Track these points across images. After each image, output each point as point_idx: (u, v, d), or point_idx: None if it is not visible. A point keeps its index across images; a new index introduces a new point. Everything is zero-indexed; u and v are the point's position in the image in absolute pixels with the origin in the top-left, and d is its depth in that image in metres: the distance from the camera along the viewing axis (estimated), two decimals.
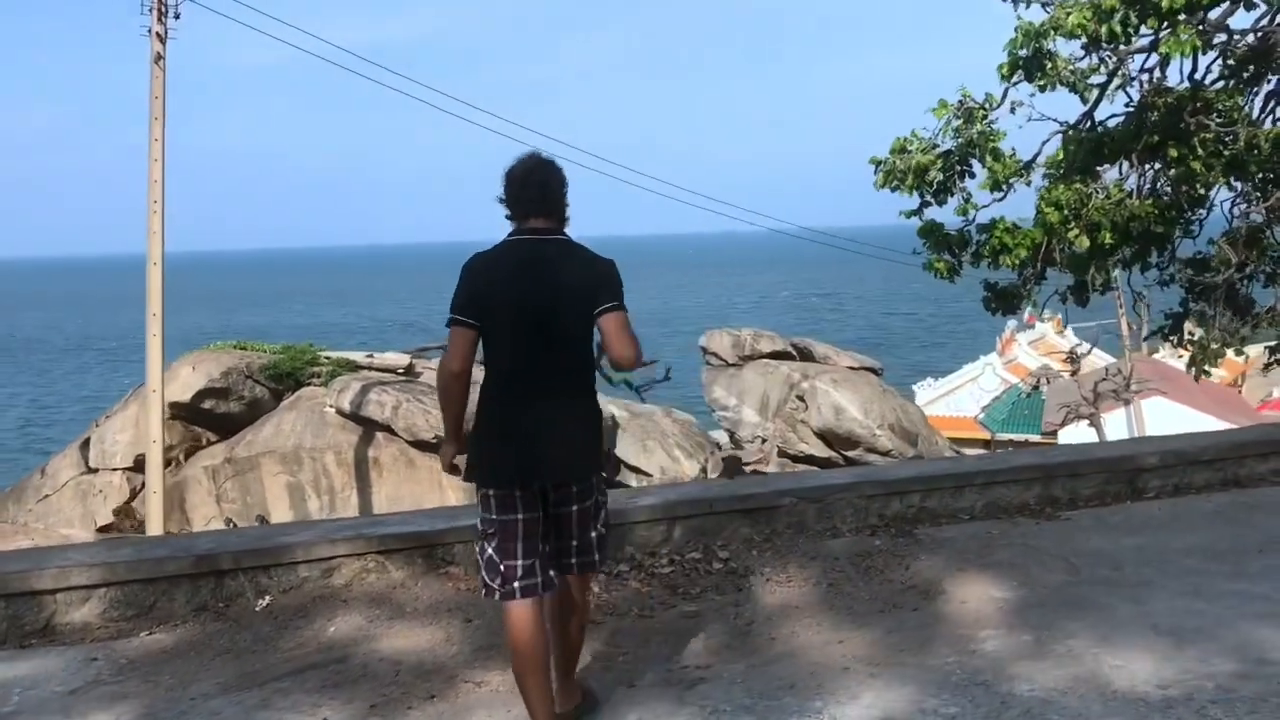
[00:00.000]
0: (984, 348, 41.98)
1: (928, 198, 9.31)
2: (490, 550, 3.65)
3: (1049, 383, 28.80)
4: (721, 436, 19.81)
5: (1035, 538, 5.94)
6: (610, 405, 20.26)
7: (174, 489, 17.06)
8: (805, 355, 19.51)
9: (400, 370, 18.83)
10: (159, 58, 11.69)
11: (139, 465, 17.31)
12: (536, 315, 3.54)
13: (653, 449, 16.91)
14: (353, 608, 5.19)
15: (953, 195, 9.32)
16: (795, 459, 16.51)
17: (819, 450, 16.16)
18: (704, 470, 17.08)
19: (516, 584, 3.61)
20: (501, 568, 3.62)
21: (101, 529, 16.98)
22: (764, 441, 17.95)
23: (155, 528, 11.93)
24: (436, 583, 5.46)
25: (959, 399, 36.99)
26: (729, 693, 4.15)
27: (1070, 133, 9.82)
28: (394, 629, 4.95)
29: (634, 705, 4.07)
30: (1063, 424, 25.82)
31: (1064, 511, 6.43)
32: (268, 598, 5.27)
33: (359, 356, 19.04)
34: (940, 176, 8.98)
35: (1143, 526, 6.14)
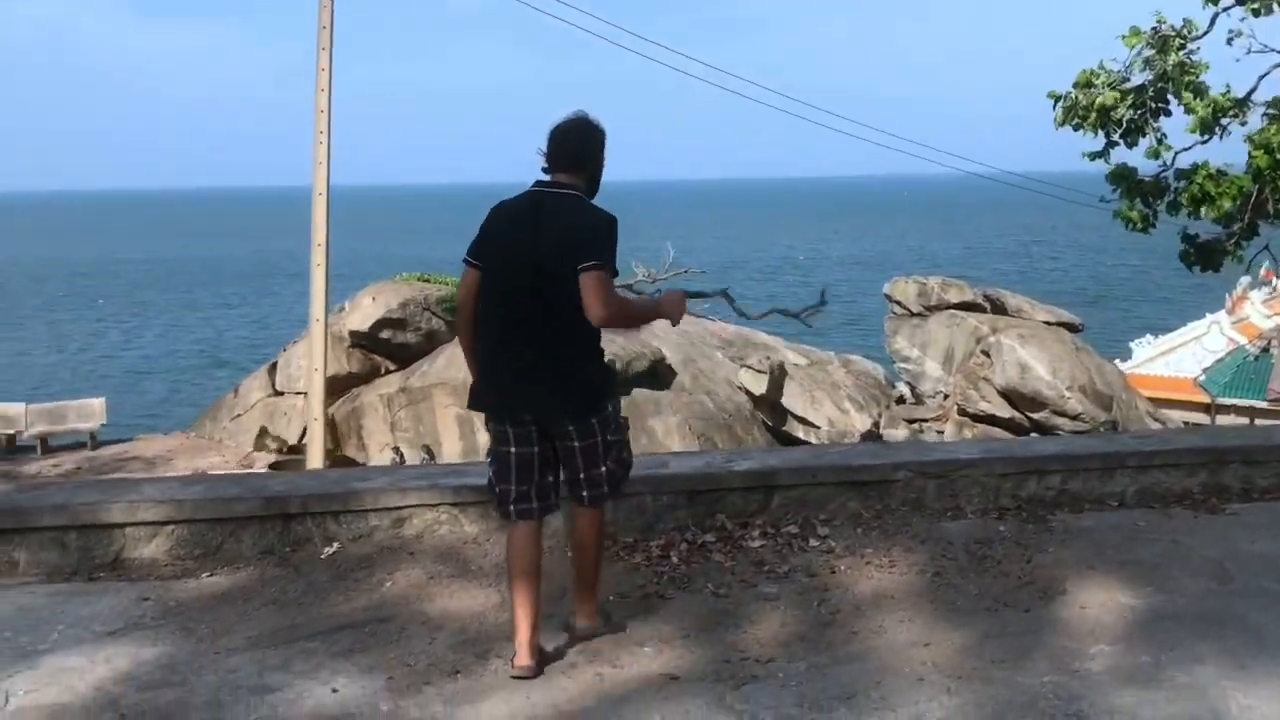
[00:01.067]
0: (1212, 304, 38.89)
1: (1115, 138, 8.31)
2: (490, 475, 4.06)
3: None
4: (904, 390, 18.97)
5: (1189, 534, 5.14)
6: (786, 351, 19.70)
7: (351, 415, 17.58)
8: (997, 307, 18.31)
9: None
10: None
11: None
12: (518, 261, 3.75)
13: (821, 400, 16.27)
14: (418, 561, 4.95)
15: (1144, 136, 8.29)
16: (976, 418, 15.53)
17: (1001, 410, 15.13)
18: (876, 424, 16.33)
19: (511, 507, 3.99)
20: (498, 490, 4.01)
21: (291, 449, 17.70)
22: (945, 398, 16.99)
23: (315, 457, 12.19)
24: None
25: (1179, 358, 34.39)
26: (777, 697, 3.68)
27: None
28: (451, 588, 4.68)
29: (664, 701, 3.65)
30: None
31: (1232, 504, 5.56)
32: (335, 545, 5.09)
33: None
34: (1130, 114, 7.98)
35: None
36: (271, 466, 15.73)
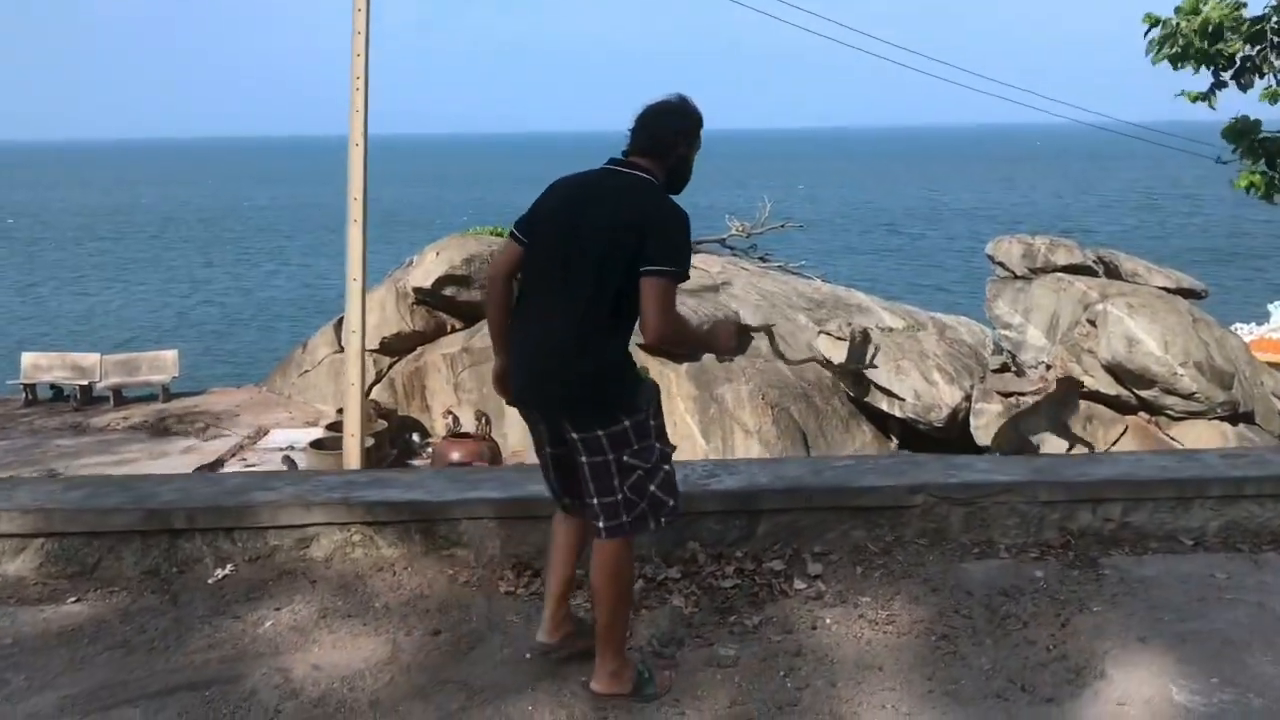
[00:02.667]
0: None
1: (1224, 76, 6.99)
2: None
3: None
4: (1005, 359, 17.60)
5: None
6: (882, 313, 18.45)
7: (414, 375, 17.01)
8: (1111, 270, 16.72)
9: None
10: None
11: (384, 347, 17.38)
12: (564, 240, 3.29)
13: (907, 370, 15.04)
14: (317, 592, 4.15)
15: (1261, 76, 6.95)
16: (1079, 395, 14.17)
17: (1106, 386, 13.73)
18: (967, 397, 15.06)
19: (561, 497, 3.58)
20: (544, 474, 3.61)
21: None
22: (1048, 368, 15.60)
23: (353, 423, 11.52)
24: (433, 567, 4.32)
25: None
26: None
27: None
28: (340, 633, 3.86)
29: None
30: None
31: None
32: (229, 566, 4.32)
33: None
34: (1242, 47, 6.65)
35: None
36: (328, 428, 15.25)
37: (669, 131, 3.38)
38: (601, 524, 3.34)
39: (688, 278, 3.25)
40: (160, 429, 16.83)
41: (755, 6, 16.93)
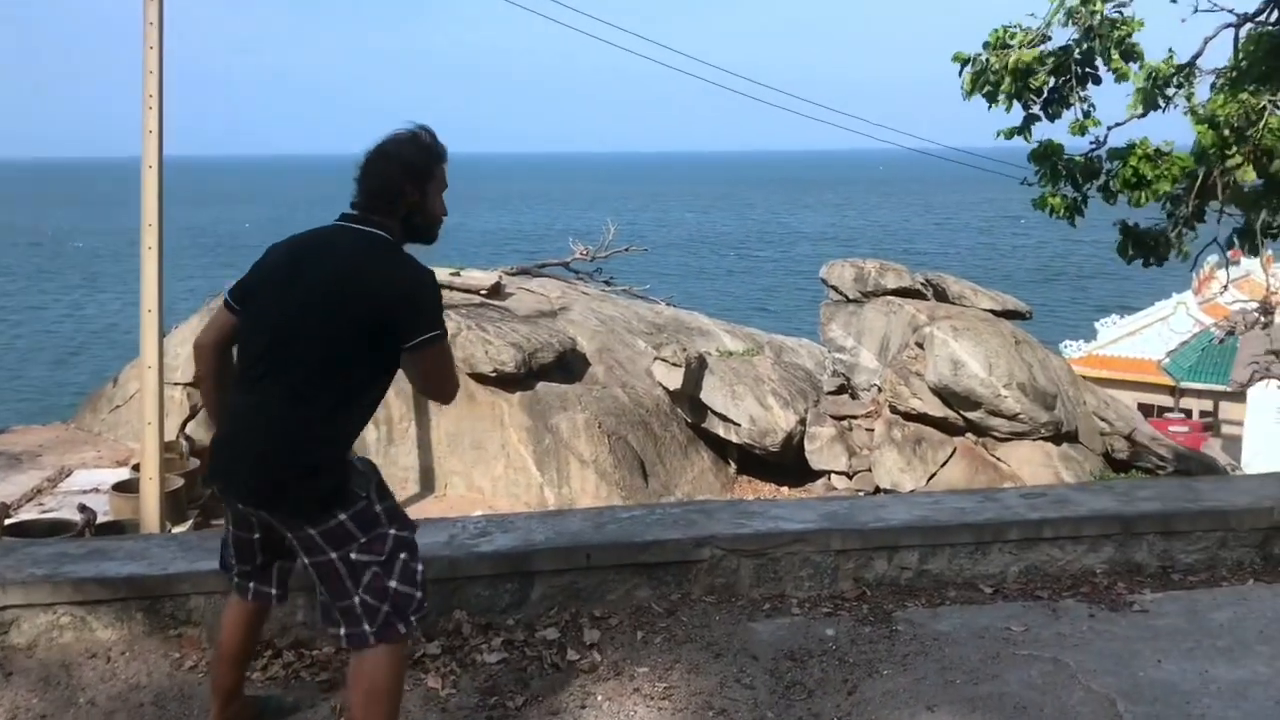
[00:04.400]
0: (1180, 284, 37.83)
1: (1034, 109, 6.96)
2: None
3: (1245, 329, 25.18)
4: (839, 383, 17.69)
5: (1077, 647, 3.80)
6: (723, 336, 18.34)
7: None
8: (939, 293, 16.97)
9: (483, 291, 17.31)
10: None
11: (199, 381, 16.40)
12: (281, 308, 2.89)
13: (742, 395, 14.91)
14: (13, 686, 3.57)
15: (1069, 107, 6.93)
16: (907, 417, 14.22)
17: (934, 408, 13.83)
18: (802, 421, 15.02)
19: (231, 573, 3.21)
20: (221, 549, 3.24)
21: (168, 445, 16.19)
22: (879, 391, 15.69)
23: (150, 466, 10.72)
24: (157, 649, 3.78)
25: (1146, 339, 33.37)
26: None
27: (1249, 28, 7.26)
28: None
29: None
30: (1249, 382, 22.34)
31: (1143, 593, 4.24)
32: None
33: (443, 272, 17.57)
34: (1050, 80, 6.61)
35: None
36: (134, 468, 14.25)
37: (389, 180, 2.96)
38: (342, 630, 2.90)
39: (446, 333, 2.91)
40: None
41: (592, 33, 16.71)
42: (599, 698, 3.55)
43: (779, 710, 3.45)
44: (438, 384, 2.98)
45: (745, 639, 3.88)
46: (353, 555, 2.86)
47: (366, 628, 2.87)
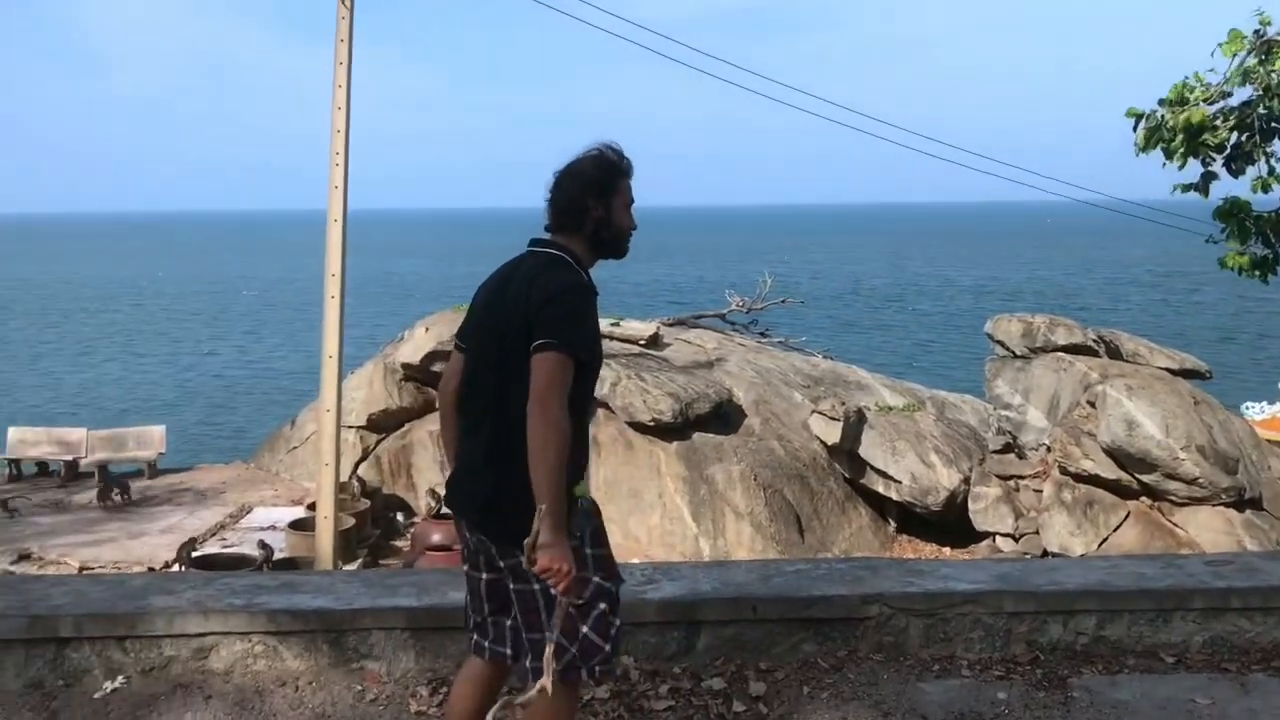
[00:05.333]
0: None
1: (1213, 166, 6.73)
2: None
3: None
4: (1005, 441, 17.20)
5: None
6: (883, 390, 18.09)
7: (401, 451, 16.69)
8: (1112, 350, 16.39)
9: (641, 341, 17.55)
10: None
11: (371, 424, 17.08)
12: (483, 337, 3.07)
13: (903, 451, 14.66)
14: (212, 709, 3.79)
15: (1253, 163, 6.69)
16: (1078, 478, 13.73)
17: (1107, 470, 13.31)
18: (966, 480, 14.66)
19: (470, 632, 3.19)
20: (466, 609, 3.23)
21: (341, 485, 16.85)
22: (1048, 451, 15.20)
23: (325, 504, 11.19)
24: (340, 682, 3.96)
25: None
26: None
27: None
28: None
29: None
30: None
31: None
32: (120, 679, 3.96)
33: (603, 323, 17.88)
34: (1229, 136, 6.39)
35: None
36: (309, 507, 14.88)
37: (573, 199, 3.02)
38: (529, 663, 2.96)
39: (579, 359, 2.83)
40: (146, 505, 16.49)
41: (755, 89, 16.89)
42: None
43: None
44: (535, 396, 2.78)
45: (914, 699, 3.83)
46: (554, 591, 2.83)
47: (554, 665, 2.86)
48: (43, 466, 18.87)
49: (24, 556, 13.62)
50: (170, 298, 70.95)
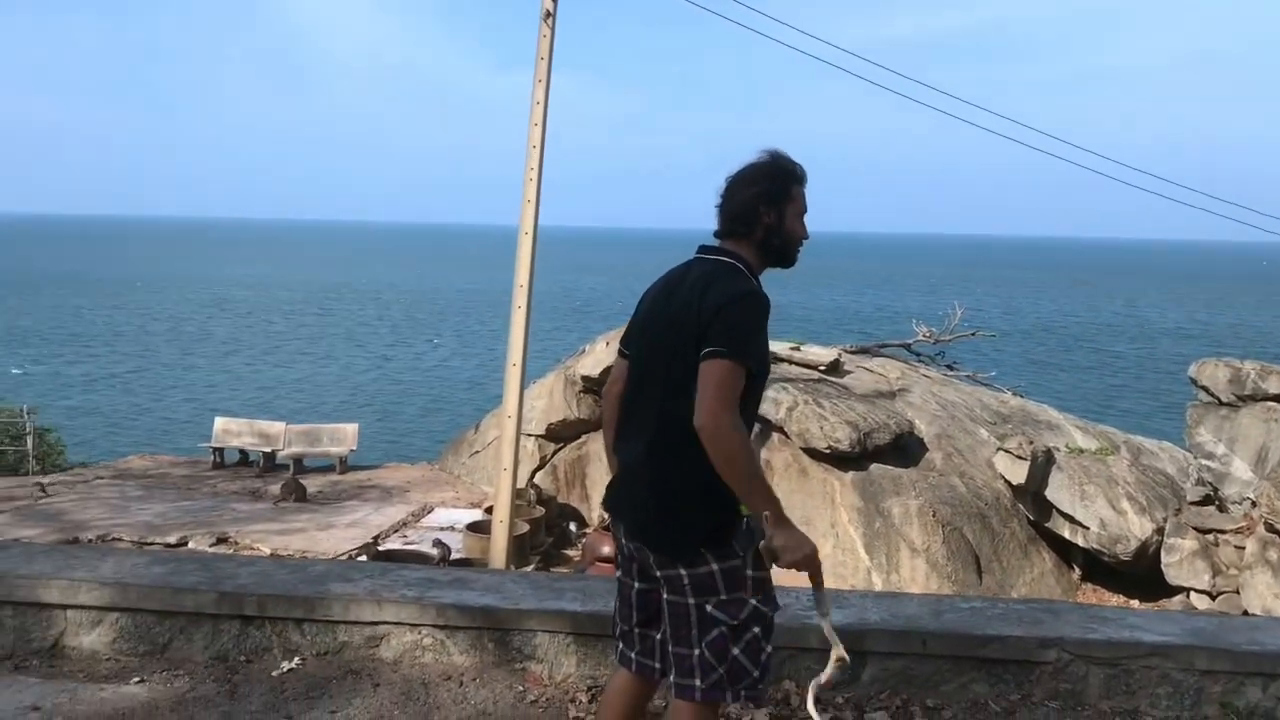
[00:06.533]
0: None
1: None
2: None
3: None
4: (1205, 491, 16.20)
5: None
6: (1074, 432, 17.33)
7: (576, 462, 16.94)
8: None
9: (821, 367, 17.32)
10: (548, 15, 11.09)
11: (550, 434, 17.40)
12: (650, 342, 3.00)
13: (1093, 496, 13.98)
14: (378, 696, 3.90)
15: None
16: None
17: None
18: (1160, 530, 13.87)
19: (617, 642, 3.17)
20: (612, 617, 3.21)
21: (518, 492, 17.24)
22: (1253, 505, 14.24)
23: (502, 508, 11.46)
24: (503, 681, 4.02)
25: None
26: None
27: None
28: None
29: None
30: None
31: None
32: (296, 659, 4.13)
33: (783, 346, 17.76)
34: None
35: None
36: (486, 510, 15.26)
37: (745, 205, 2.94)
38: (674, 678, 2.89)
39: (750, 369, 2.74)
40: (335, 498, 17.24)
41: (961, 116, 16.54)
42: None
43: None
44: (702, 400, 2.69)
45: None
46: (708, 608, 2.82)
47: (697, 682, 2.84)
48: (244, 456, 19.99)
49: (221, 540, 14.42)
50: (383, 303, 74.44)
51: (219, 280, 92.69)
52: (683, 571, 2.83)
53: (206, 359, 45.38)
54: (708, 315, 2.77)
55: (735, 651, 2.83)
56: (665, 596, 2.90)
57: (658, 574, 2.91)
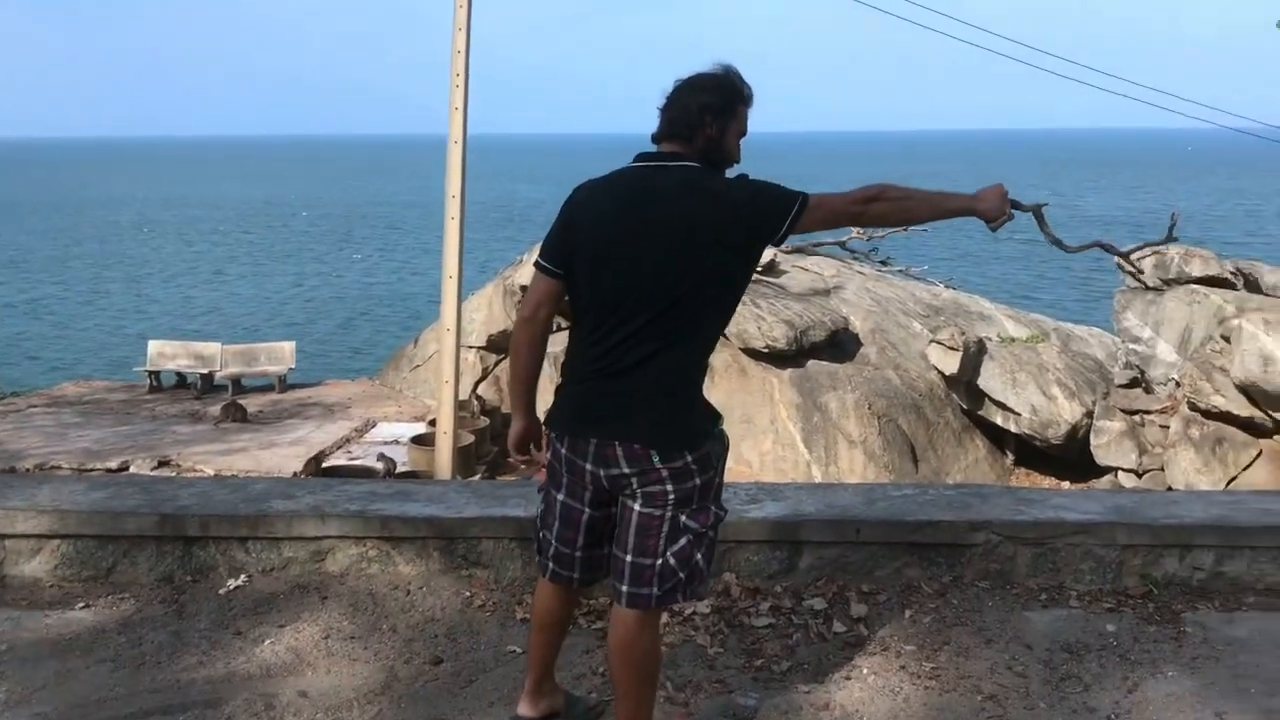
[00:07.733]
0: None
1: None
2: (538, 508, 3.13)
3: None
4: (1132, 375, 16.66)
5: None
6: (1005, 321, 17.66)
7: None
8: (1250, 283, 15.67)
9: (758, 267, 17.39)
10: None
11: (491, 345, 17.39)
12: (646, 260, 2.78)
13: (1024, 383, 14.33)
14: (326, 609, 3.95)
15: None
16: (1208, 414, 13.22)
17: (1239, 407, 12.78)
18: (1089, 414, 14.29)
19: (548, 562, 3.08)
20: (539, 534, 3.11)
21: (461, 404, 17.26)
22: (1177, 386, 14.68)
23: (445, 420, 11.48)
24: (449, 588, 4.09)
25: None
26: None
27: None
28: (339, 655, 3.65)
29: None
30: None
31: None
32: (242, 577, 4.16)
33: None
34: None
35: None
36: (430, 423, 15.29)
37: (690, 110, 2.85)
38: (625, 587, 2.85)
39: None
40: (275, 417, 17.15)
41: (882, 8, 16.43)
42: (864, 671, 3.56)
43: (1052, 701, 3.35)
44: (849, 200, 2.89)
45: (1019, 627, 3.78)
46: (683, 519, 2.83)
47: (655, 590, 2.83)
48: (181, 379, 19.75)
49: (163, 463, 14.32)
50: (305, 219, 73.05)
51: (132, 200, 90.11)
52: (669, 487, 2.80)
53: (141, 282, 44.44)
54: (745, 208, 2.80)
55: (698, 558, 2.87)
56: (637, 509, 2.83)
57: (636, 490, 2.82)
